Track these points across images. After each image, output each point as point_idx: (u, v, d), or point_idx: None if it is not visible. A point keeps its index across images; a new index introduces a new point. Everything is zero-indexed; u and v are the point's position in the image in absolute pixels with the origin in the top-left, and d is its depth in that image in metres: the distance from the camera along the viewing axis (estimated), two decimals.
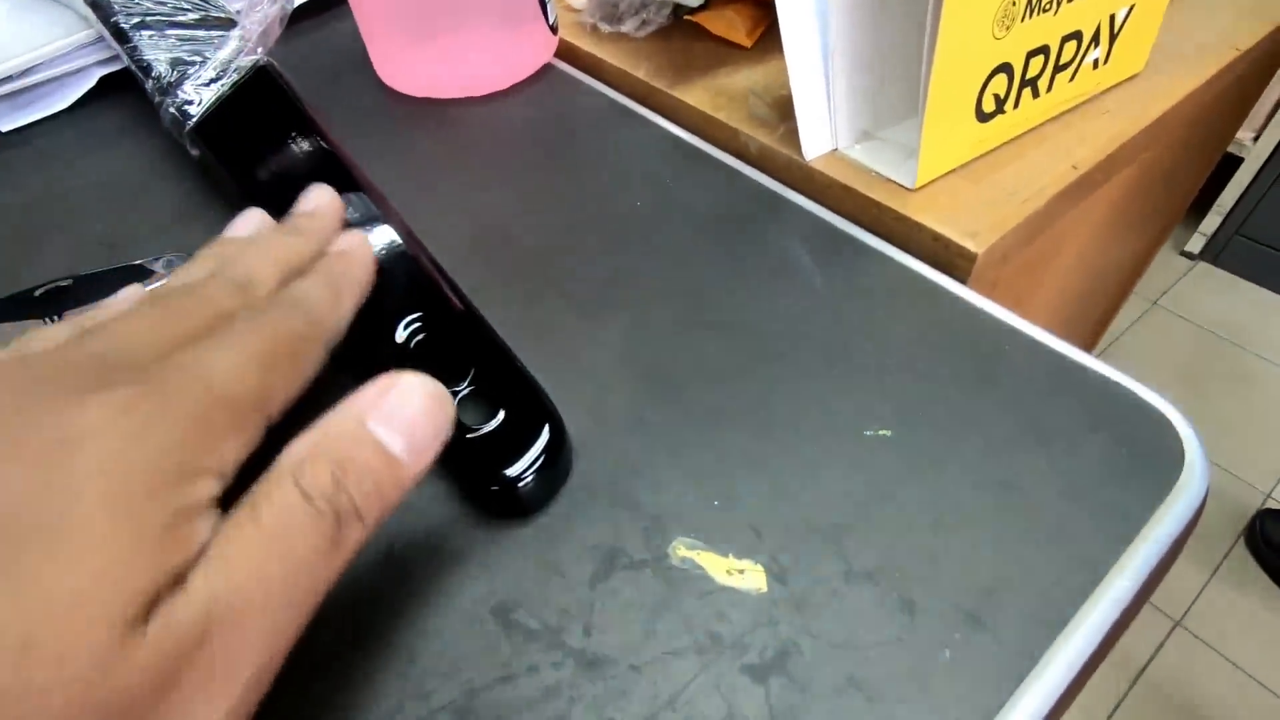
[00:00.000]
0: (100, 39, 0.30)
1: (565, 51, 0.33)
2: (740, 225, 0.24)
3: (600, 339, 0.20)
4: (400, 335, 0.18)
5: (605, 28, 0.33)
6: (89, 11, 0.29)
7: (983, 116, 0.24)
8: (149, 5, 0.26)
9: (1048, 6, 0.23)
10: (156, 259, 0.22)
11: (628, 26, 0.32)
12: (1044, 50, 0.24)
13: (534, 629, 0.14)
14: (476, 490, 0.16)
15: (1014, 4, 0.22)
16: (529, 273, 0.22)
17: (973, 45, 0.21)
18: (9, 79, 0.28)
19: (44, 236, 0.25)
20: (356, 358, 0.16)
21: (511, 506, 0.16)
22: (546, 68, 0.32)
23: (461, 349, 0.18)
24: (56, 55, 0.30)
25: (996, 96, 0.24)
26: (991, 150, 0.25)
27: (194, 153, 0.24)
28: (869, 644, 0.14)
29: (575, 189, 0.26)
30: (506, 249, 0.24)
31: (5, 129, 0.29)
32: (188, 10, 0.26)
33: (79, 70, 0.31)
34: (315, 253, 0.16)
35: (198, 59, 0.25)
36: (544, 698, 0.13)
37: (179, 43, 0.25)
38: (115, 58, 0.31)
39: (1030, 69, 0.24)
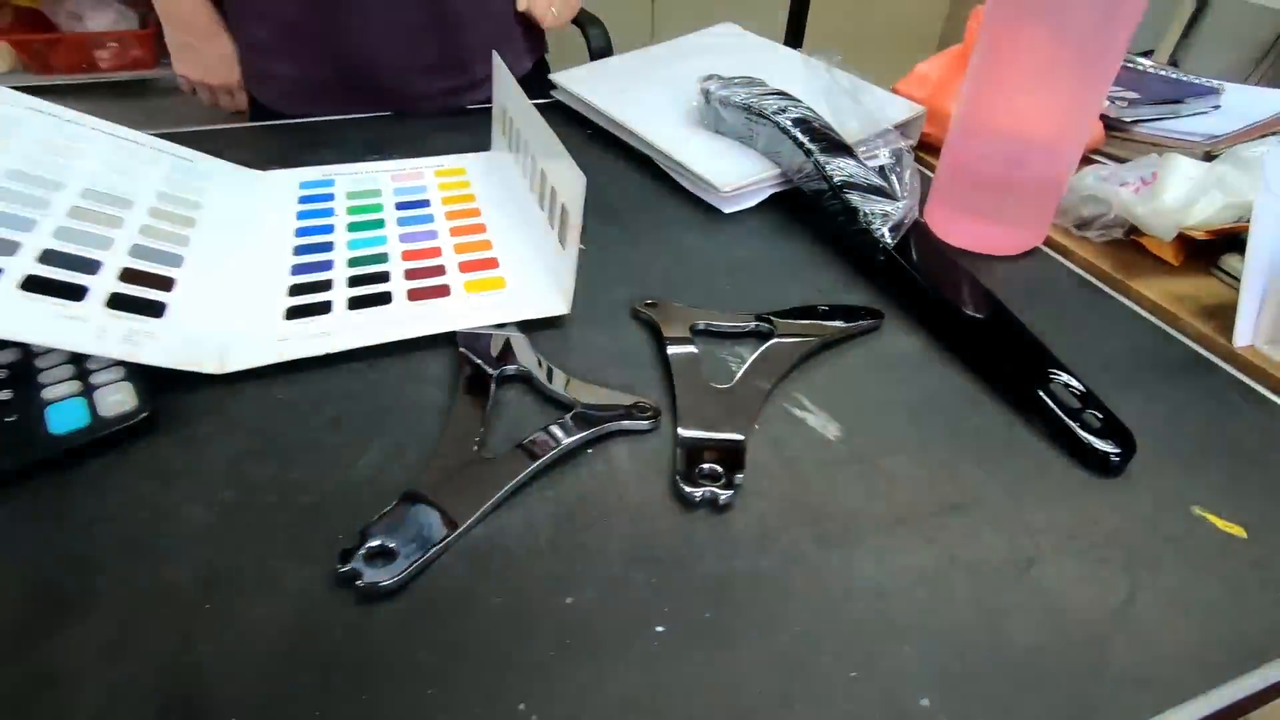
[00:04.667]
0: (776, 171, 0.54)
1: (1046, 239, 0.52)
2: (1198, 377, 0.41)
3: (1138, 422, 0.37)
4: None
5: (1075, 231, 0.52)
6: (784, 155, 0.53)
7: None
8: (850, 174, 0.49)
9: None
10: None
11: (1091, 234, 0.51)
12: None
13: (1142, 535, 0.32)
14: (1099, 462, 0.34)
15: None
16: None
17: None
18: (746, 185, 0.53)
19: (771, 281, 0.47)
20: (1008, 377, 0.36)
21: (1112, 470, 0.34)
22: (1036, 248, 0.51)
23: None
24: (759, 179, 0.54)
25: None
26: None
27: (880, 259, 0.45)
28: None
29: (1088, 339, 0.43)
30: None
31: (728, 211, 0.54)
32: (871, 179, 0.49)
33: (758, 186, 0.55)
34: None
35: (882, 211, 0.47)
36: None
37: (869, 198, 0.47)
38: (780, 183, 0.55)
39: None
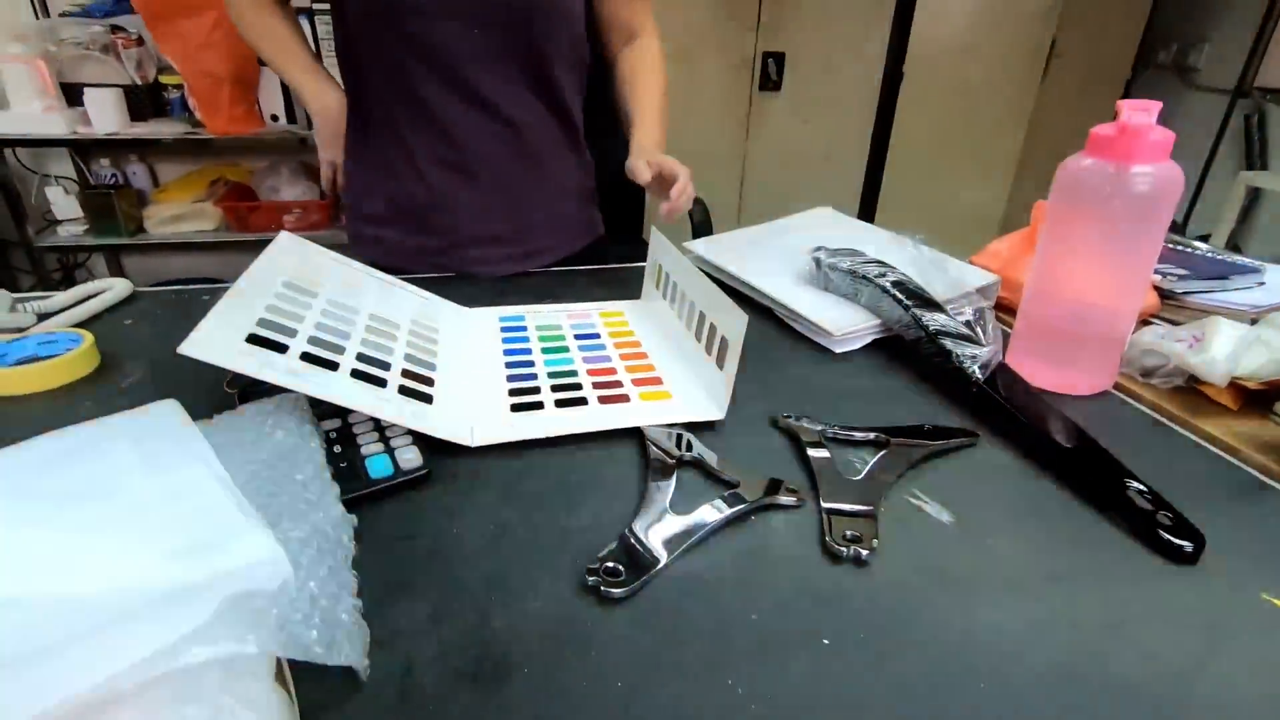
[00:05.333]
0: (877, 322, 0.66)
1: (1116, 384, 0.61)
2: (1260, 497, 0.48)
3: (1207, 528, 0.45)
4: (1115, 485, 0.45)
5: (1140, 379, 0.61)
6: (884, 310, 0.65)
7: None
8: (943, 324, 0.61)
9: None
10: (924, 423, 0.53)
11: (1155, 381, 0.61)
12: None
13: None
14: (1174, 552, 0.41)
15: None
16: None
17: None
18: (854, 331, 0.65)
19: (879, 405, 0.58)
20: (1090, 485, 0.44)
21: (1186, 559, 0.41)
22: (1107, 390, 0.61)
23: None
24: (864, 327, 0.66)
25: None
26: None
27: (973, 391, 0.56)
28: None
29: (1158, 463, 0.52)
30: None
31: (838, 351, 0.66)
32: (960, 329, 0.60)
33: (862, 333, 0.67)
34: None
35: (971, 354, 0.57)
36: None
37: (960, 344, 0.59)
38: (880, 331, 0.67)
39: None
